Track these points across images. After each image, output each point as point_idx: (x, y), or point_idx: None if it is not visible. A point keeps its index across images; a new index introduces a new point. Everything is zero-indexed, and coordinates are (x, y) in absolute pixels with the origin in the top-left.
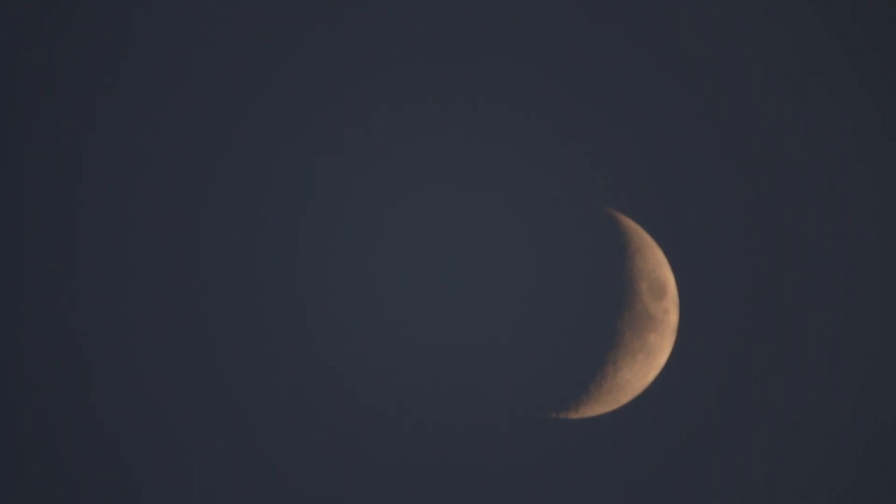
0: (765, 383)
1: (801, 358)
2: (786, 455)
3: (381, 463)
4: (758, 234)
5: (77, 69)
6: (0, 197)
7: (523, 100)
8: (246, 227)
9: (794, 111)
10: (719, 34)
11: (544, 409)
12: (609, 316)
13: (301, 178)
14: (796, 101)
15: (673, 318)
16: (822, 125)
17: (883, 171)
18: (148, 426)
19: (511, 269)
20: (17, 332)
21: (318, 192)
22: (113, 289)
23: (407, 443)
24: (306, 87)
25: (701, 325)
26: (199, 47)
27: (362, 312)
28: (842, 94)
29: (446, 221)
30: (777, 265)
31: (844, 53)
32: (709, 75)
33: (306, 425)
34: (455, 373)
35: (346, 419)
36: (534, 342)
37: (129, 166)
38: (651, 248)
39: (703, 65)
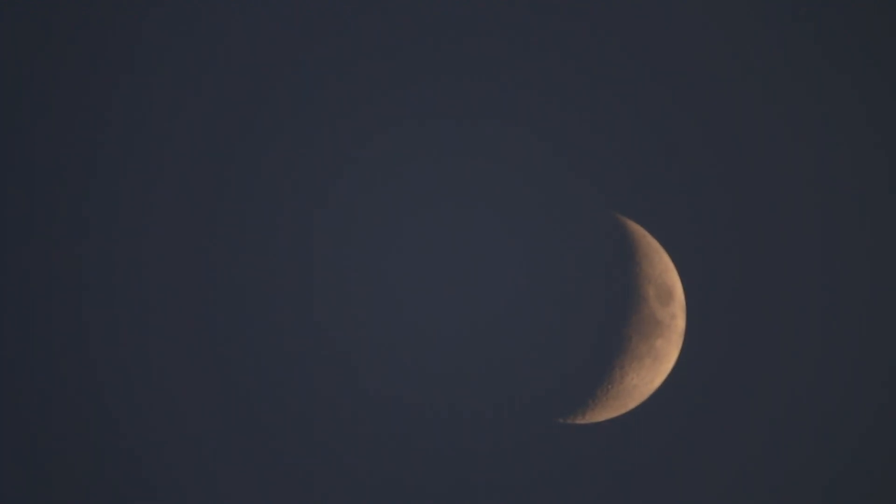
0: (772, 388)
1: (809, 363)
2: (794, 460)
3: (385, 462)
4: (765, 239)
5: (87, 70)
6: (11, 198)
7: (530, 106)
8: (257, 230)
9: (801, 117)
10: (734, 40)
11: (551, 415)
12: (616, 321)
13: (313, 182)
14: (806, 108)
15: (680, 323)
16: (830, 131)
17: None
18: (158, 422)
19: (516, 274)
20: (26, 332)
21: (330, 196)
22: (124, 287)
23: (411, 445)
24: (319, 92)
25: (708, 330)
26: (210, 50)
27: (378, 321)
28: (853, 100)
29: (453, 227)
30: (784, 270)
31: (860, 60)
32: (717, 81)
33: (317, 422)
34: (459, 378)
35: (358, 421)
36: (540, 347)
37: (141, 169)
38: (658, 252)
39: (713, 71)
